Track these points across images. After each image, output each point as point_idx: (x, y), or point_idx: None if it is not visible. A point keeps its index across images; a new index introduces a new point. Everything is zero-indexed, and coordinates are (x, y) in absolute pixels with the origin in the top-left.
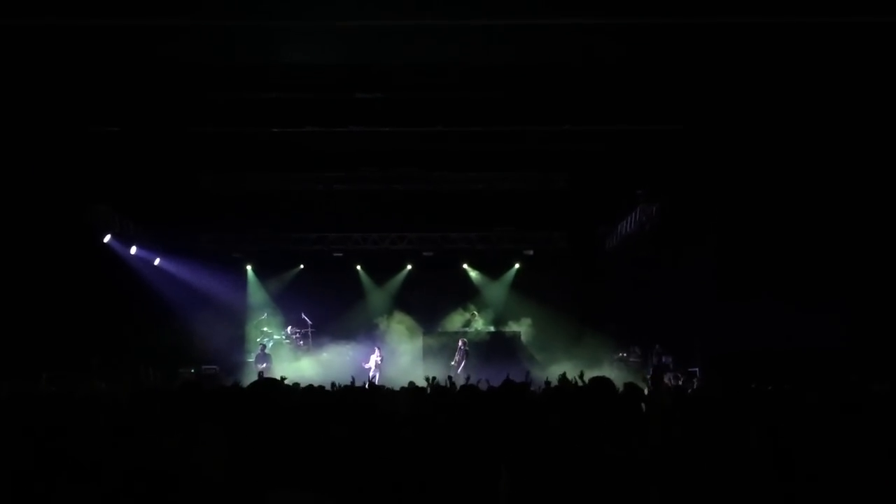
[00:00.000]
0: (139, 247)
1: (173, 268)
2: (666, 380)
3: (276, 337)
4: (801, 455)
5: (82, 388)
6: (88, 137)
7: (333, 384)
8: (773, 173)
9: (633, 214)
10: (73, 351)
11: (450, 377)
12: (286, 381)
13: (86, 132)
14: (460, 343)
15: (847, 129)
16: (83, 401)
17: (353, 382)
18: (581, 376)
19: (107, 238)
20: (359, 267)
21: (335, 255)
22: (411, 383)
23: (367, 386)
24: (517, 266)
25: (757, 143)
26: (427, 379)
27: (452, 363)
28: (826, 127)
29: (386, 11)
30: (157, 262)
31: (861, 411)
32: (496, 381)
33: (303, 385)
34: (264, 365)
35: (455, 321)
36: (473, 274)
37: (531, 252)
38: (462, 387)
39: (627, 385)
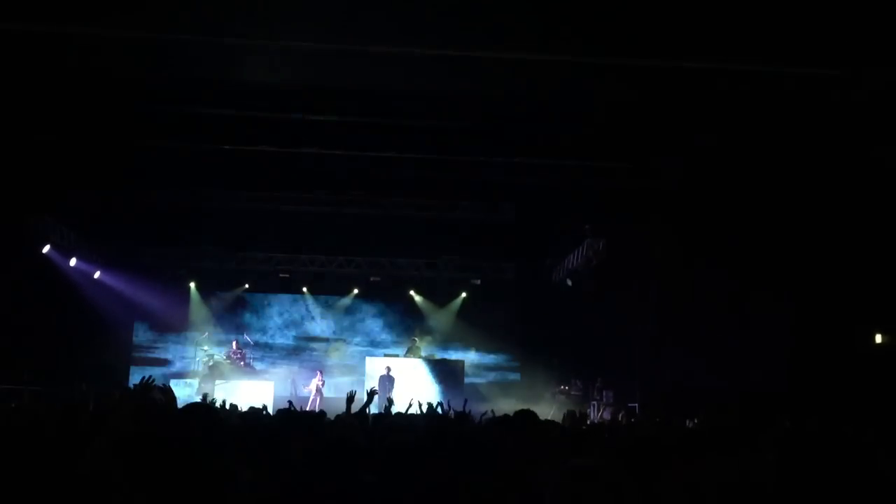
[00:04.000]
0: (79, 259)
1: (114, 281)
2: (602, 414)
3: (216, 357)
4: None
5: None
6: (32, 146)
7: (292, 405)
8: (718, 214)
9: (580, 249)
10: (4, 364)
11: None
12: (226, 403)
13: (28, 140)
14: (385, 368)
15: (792, 171)
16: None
17: (290, 406)
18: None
19: (46, 248)
20: (305, 289)
21: (281, 275)
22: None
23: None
24: (464, 295)
25: (703, 184)
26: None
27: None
28: (771, 169)
29: (343, 35)
30: (97, 275)
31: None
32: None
33: (242, 407)
34: (218, 382)
35: (399, 348)
36: (419, 300)
37: (478, 282)
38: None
39: (567, 415)
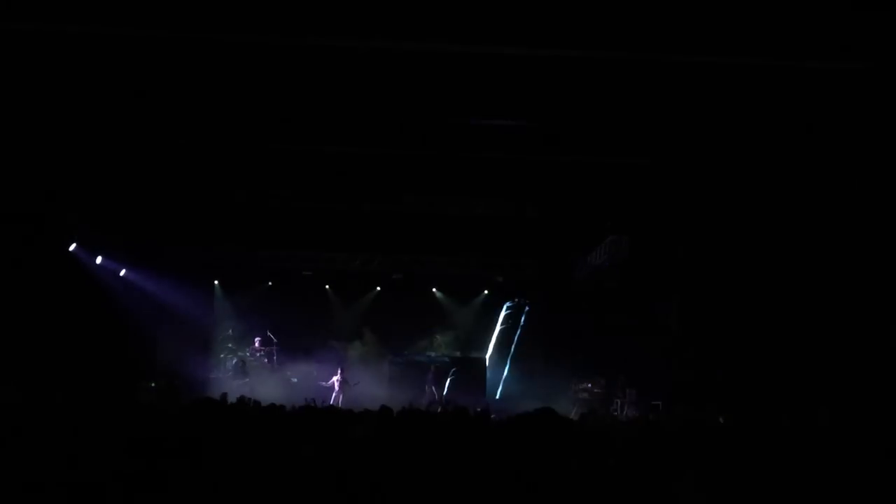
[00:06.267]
0: (105, 257)
1: (139, 279)
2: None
3: (240, 354)
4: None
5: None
6: (59, 144)
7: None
8: (741, 212)
9: (603, 246)
10: (30, 361)
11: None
12: (251, 400)
13: (55, 138)
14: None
15: (816, 167)
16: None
17: (314, 403)
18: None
19: (72, 247)
20: (328, 286)
21: (304, 273)
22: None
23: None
24: (486, 292)
25: (727, 182)
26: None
27: (429, 389)
28: (795, 165)
29: (371, 32)
30: (122, 272)
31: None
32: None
33: (265, 404)
34: (246, 379)
35: (422, 345)
36: (442, 297)
37: (501, 279)
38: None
39: (584, 414)
